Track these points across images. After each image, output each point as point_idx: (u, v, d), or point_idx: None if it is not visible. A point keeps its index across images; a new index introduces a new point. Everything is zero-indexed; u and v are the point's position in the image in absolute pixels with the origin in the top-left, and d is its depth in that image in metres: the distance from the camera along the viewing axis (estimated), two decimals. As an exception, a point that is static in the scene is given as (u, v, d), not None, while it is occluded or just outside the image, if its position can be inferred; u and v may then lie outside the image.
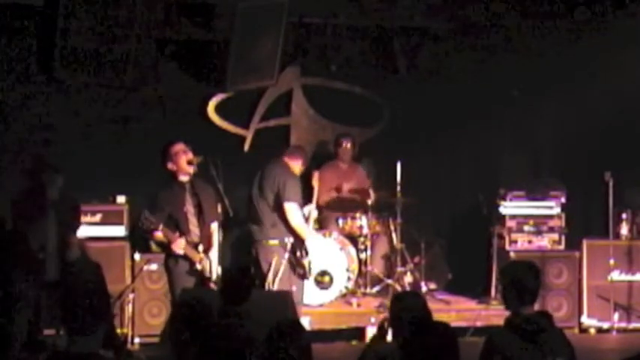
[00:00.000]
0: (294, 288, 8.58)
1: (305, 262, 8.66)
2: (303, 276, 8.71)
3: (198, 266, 8.09)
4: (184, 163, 8.07)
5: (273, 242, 8.66)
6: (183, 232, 8.03)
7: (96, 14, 9.35)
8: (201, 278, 8.16)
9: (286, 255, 8.60)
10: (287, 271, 8.60)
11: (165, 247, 8.12)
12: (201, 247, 8.15)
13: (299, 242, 8.67)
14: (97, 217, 9.58)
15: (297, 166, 8.91)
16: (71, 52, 9.38)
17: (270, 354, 4.45)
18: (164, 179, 8.15)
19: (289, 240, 8.64)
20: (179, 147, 8.10)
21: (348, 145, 10.50)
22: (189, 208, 8.10)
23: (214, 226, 8.30)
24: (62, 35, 9.28)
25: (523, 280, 5.09)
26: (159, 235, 8.00)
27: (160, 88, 10.24)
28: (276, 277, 8.54)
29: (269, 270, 8.57)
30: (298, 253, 8.64)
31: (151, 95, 10.24)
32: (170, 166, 8.09)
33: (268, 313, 6.16)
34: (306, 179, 9.71)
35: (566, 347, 5.02)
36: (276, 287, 8.50)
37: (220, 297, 6.21)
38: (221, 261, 8.31)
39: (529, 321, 4.95)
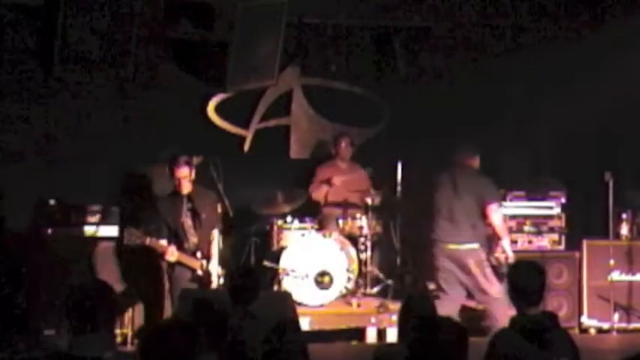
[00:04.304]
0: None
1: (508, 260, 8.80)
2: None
3: (200, 272, 8.24)
4: (184, 188, 8.25)
5: (470, 246, 8.83)
6: (182, 240, 8.25)
7: (96, 14, 9.35)
8: (203, 283, 8.26)
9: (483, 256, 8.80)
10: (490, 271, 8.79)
11: (160, 255, 8.31)
12: (199, 254, 8.28)
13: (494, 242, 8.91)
14: (97, 217, 9.56)
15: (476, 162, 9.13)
16: (71, 52, 9.38)
17: (268, 354, 4.47)
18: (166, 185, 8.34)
19: (483, 242, 8.87)
20: (181, 174, 8.26)
21: (347, 144, 10.50)
22: (186, 220, 8.33)
23: (215, 232, 8.42)
24: (62, 35, 9.28)
25: (527, 281, 5.11)
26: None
27: (160, 88, 10.23)
28: (484, 277, 8.72)
29: (469, 272, 8.72)
30: (497, 254, 8.85)
31: (150, 95, 10.22)
32: (173, 179, 8.30)
33: (269, 314, 6.18)
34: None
35: (571, 348, 5.02)
36: (486, 288, 8.72)
37: (229, 298, 6.25)
38: (224, 263, 8.37)
39: (533, 321, 4.95)
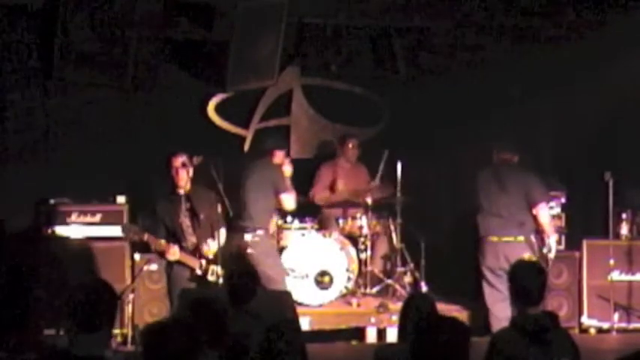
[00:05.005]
0: None
1: (550, 256, 8.97)
2: None
3: (199, 272, 8.22)
4: (182, 179, 8.21)
5: (521, 238, 8.94)
6: (180, 240, 8.22)
7: (96, 14, 9.35)
8: (201, 282, 8.25)
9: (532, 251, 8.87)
10: None
11: (161, 253, 8.28)
12: (198, 254, 8.26)
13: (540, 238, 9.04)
14: (97, 217, 9.56)
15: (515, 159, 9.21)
16: (71, 52, 9.38)
17: (266, 353, 4.48)
18: (165, 185, 8.30)
19: (532, 237, 8.98)
20: (178, 162, 8.21)
21: (354, 146, 10.50)
22: (184, 220, 8.29)
23: (222, 231, 8.39)
24: (62, 35, 9.28)
25: (527, 281, 5.11)
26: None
27: (160, 88, 10.23)
28: None
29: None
30: (545, 249, 8.99)
31: (150, 95, 10.22)
32: (171, 176, 8.27)
33: (269, 313, 6.18)
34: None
35: (571, 347, 5.03)
36: None
37: (229, 298, 6.25)
38: (225, 263, 8.36)
39: (534, 321, 4.95)
